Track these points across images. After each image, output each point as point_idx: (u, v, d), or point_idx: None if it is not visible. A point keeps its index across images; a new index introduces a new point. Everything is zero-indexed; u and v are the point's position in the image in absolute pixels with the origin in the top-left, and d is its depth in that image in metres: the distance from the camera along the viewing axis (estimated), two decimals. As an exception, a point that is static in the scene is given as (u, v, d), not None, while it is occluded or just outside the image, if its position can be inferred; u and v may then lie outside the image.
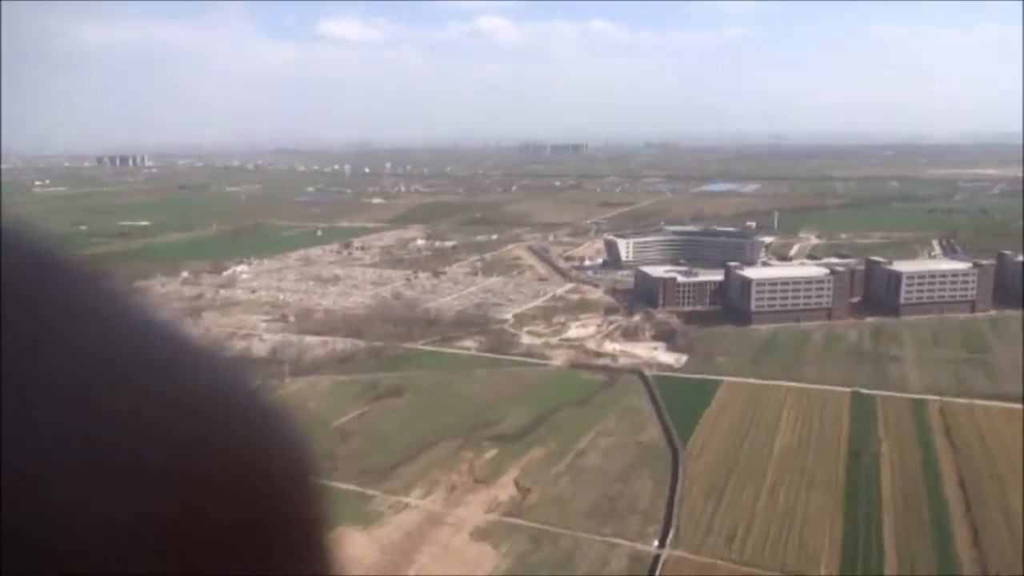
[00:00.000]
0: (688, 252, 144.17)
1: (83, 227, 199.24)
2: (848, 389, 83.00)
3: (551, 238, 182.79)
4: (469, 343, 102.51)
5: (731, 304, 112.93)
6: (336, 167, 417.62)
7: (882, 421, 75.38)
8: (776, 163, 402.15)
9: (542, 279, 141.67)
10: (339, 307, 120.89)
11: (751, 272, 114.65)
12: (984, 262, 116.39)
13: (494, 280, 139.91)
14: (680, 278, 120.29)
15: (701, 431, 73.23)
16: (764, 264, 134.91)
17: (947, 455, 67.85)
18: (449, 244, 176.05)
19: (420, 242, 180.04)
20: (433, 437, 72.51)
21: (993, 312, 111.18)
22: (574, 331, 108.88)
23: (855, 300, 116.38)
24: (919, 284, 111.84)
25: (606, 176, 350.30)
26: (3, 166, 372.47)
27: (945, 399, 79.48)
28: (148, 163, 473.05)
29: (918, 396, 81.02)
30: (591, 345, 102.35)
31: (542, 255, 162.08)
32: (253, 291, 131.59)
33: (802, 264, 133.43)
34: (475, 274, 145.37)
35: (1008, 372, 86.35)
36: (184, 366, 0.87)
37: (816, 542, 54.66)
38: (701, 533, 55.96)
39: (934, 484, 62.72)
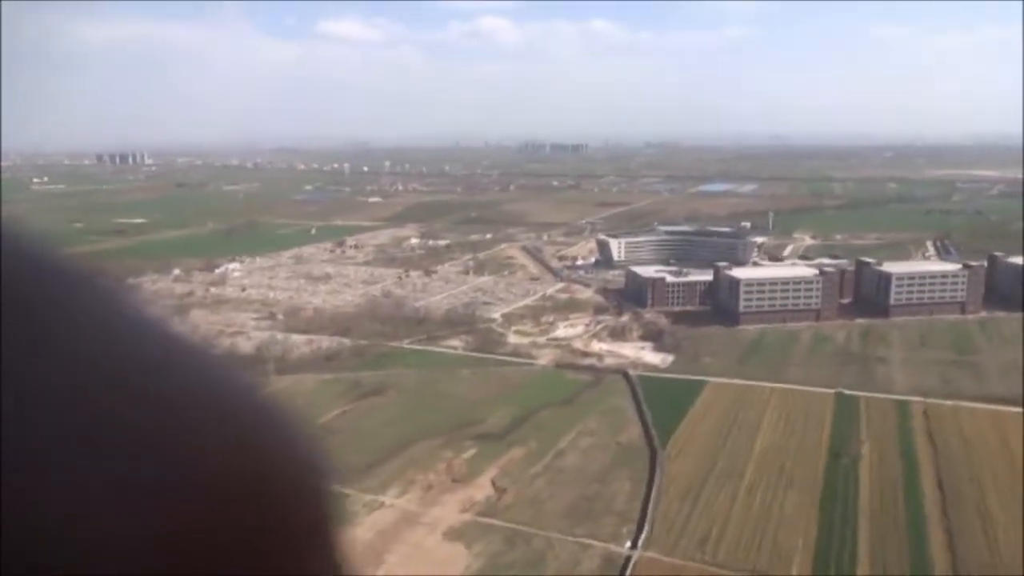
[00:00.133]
0: (680, 252, 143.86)
1: (79, 224, 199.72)
2: (832, 390, 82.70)
3: (545, 237, 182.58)
4: (456, 342, 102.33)
5: (720, 304, 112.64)
6: (335, 166, 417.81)
7: (865, 422, 75.04)
8: (775, 163, 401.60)
9: (533, 278, 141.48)
10: (328, 305, 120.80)
11: (740, 272, 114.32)
12: (974, 263, 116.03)
13: (485, 279, 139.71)
14: (669, 278, 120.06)
15: (682, 432, 72.96)
16: (755, 264, 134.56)
17: (928, 457, 67.55)
18: (443, 243, 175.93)
19: (414, 241, 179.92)
20: (414, 436, 72.31)
21: (983, 314, 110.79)
22: (562, 331, 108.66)
23: (846, 301, 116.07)
24: (909, 285, 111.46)
25: (605, 176, 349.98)
26: (3, 163, 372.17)
27: (929, 401, 79.15)
28: (148, 161, 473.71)
29: (902, 397, 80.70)
30: (578, 345, 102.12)
31: (535, 254, 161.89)
32: (243, 289, 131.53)
33: (794, 264, 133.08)
34: (467, 273, 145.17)
35: (994, 374, 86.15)
36: (186, 369, 0.86)
37: (790, 543, 54.40)
38: (675, 534, 55.72)
39: (913, 486, 62.41)
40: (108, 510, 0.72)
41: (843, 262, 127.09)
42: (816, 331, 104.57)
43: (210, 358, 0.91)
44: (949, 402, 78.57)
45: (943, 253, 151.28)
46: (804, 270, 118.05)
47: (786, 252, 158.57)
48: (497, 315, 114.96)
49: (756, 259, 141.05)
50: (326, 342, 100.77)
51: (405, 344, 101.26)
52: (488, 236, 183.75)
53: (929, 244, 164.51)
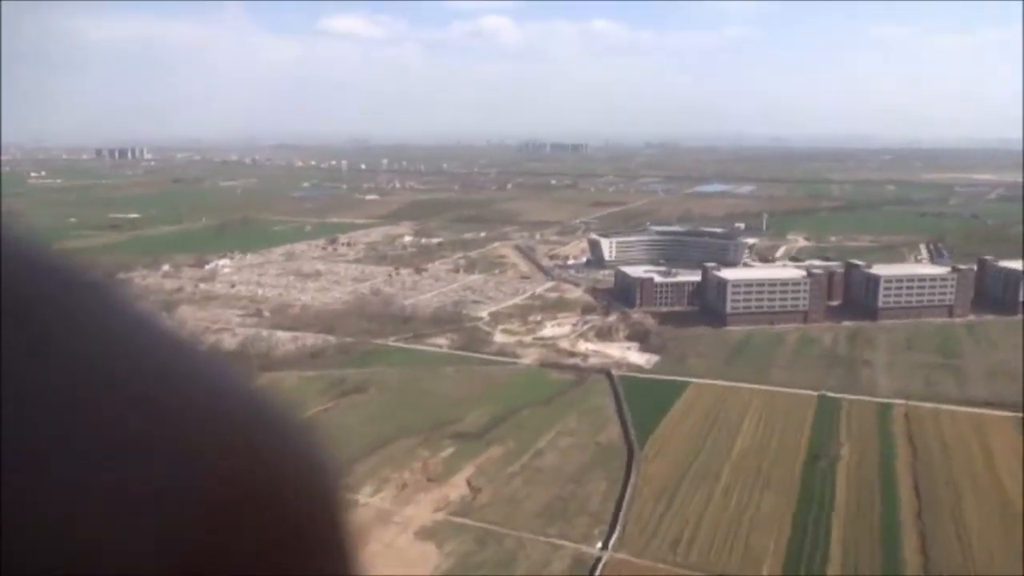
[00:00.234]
0: (672, 252, 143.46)
1: (73, 219, 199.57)
2: (815, 392, 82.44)
3: (539, 236, 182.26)
4: (441, 340, 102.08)
5: (708, 305, 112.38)
6: (333, 163, 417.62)
7: (845, 425, 74.83)
8: (774, 165, 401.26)
9: (524, 277, 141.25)
10: (316, 302, 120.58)
11: (728, 273, 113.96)
12: (963, 267, 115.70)
13: (475, 278, 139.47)
14: (658, 278, 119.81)
15: (661, 433, 72.74)
16: (746, 265, 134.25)
17: (906, 460, 67.30)
18: (435, 241, 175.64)
19: (407, 239, 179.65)
20: (392, 434, 72.08)
21: (971, 317, 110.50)
22: (549, 330, 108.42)
23: (835, 303, 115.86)
24: (897, 288, 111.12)
25: (603, 176, 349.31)
26: (3, 157, 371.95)
27: (911, 403, 78.95)
28: (147, 156, 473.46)
29: (885, 400, 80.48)
30: (564, 344, 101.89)
31: (527, 253, 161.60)
32: (232, 285, 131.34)
33: (784, 266, 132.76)
34: (457, 271, 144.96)
35: (977, 377, 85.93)
36: (187, 371, 0.86)
37: (762, 545, 54.17)
38: (647, 536, 55.49)
39: (889, 489, 62.17)
40: (110, 512, 0.71)
41: (834, 264, 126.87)
42: (803, 333, 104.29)
43: (212, 360, 0.90)
44: (931, 405, 78.36)
45: (936, 256, 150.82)
46: (792, 272, 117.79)
47: (779, 253, 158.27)
48: (484, 314, 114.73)
49: (747, 260, 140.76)
50: (311, 339, 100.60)
51: (390, 342, 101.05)
52: (482, 234, 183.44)
53: (923, 247, 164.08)
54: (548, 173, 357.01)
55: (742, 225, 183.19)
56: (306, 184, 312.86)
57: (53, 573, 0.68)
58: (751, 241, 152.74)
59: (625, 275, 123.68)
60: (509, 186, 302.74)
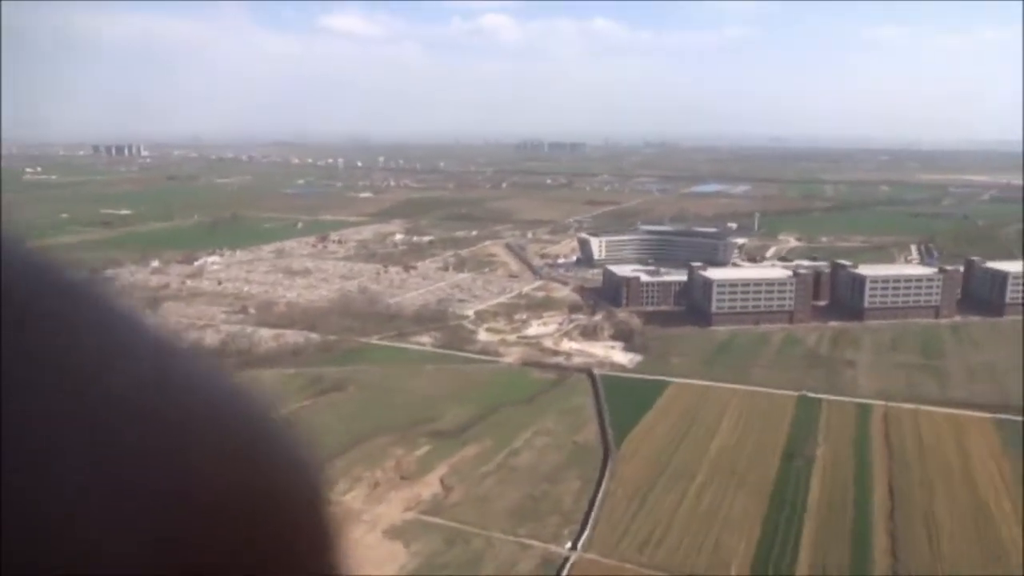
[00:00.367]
0: (661, 252, 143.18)
1: (65, 215, 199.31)
2: (796, 393, 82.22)
3: (530, 235, 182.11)
4: (425, 339, 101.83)
5: (694, 304, 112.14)
6: (329, 160, 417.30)
7: (824, 425, 74.58)
8: (771, 165, 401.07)
9: (512, 276, 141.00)
10: (302, 300, 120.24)
11: (713, 273, 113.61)
12: (950, 268, 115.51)
13: (463, 276, 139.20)
14: (644, 277, 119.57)
15: (638, 432, 72.50)
16: (735, 265, 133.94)
17: (882, 460, 67.12)
18: (426, 239, 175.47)
19: (398, 237, 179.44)
20: (368, 432, 71.77)
21: (957, 318, 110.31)
22: (534, 329, 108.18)
23: (822, 303, 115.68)
24: (883, 288, 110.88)
25: (599, 175, 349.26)
26: (2, 153, 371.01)
27: (891, 404, 78.73)
28: (143, 153, 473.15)
29: (865, 401, 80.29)
30: (548, 343, 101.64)
31: (518, 252, 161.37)
32: (219, 282, 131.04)
33: (773, 266, 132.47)
34: (446, 269, 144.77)
35: (958, 378, 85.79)
36: (184, 378, 0.86)
37: (731, 545, 53.94)
38: (617, 535, 55.26)
39: (863, 489, 61.96)
40: (106, 519, 0.71)
41: (822, 264, 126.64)
42: (788, 333, 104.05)
43: (204, 364, 0.90)
44: (911, 406, 78.11)
45: (926, 257, 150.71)
46: (778, 272, 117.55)
47: (769, 253, 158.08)
48: (470, 312, 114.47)
49: (736, 260, 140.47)
50: (295, 337, 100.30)
51: (374, 340, 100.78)
52: (473, 233, 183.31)
53: (913, 248, 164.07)
54: (544, 172, 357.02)
55: (734, 225, 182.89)
56: (300, 181, 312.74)
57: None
58: (741, 241, 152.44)
59: (612, 274, 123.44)
60: (504, 185, 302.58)
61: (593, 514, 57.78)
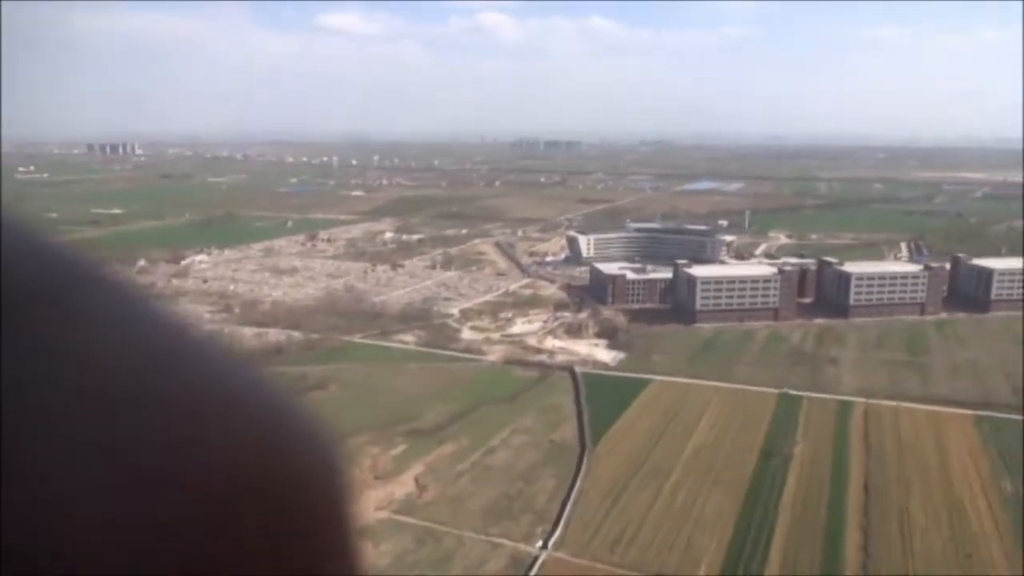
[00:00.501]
0: (649, 249, 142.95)
1: (54, 214, 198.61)
2: (777, 390, 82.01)
3: (520, 233, 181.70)
4: (408, 337, 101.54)
5: (679, 302, 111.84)
6: (324, 159, 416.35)
7: (803, 423, 74.40)
8: (767, 163, 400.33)
9: (500, 274, 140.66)
10: (288, 298, 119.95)
11: (698, 270, 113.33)
12: (936, 265, 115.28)
13: (451, 274, 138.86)
14: (630, 275, 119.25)
15: (616, 430, 72.25)
16: (722, 263, 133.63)
17: (859, 458, 66.90)
18: (416, 237, 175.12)
19: (388, 235, 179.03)
20: (346, 431, 71.33)
21: (943, 315, 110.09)
22: (519, 327, 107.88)
23: (808, 301, 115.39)
24: (868, 286, 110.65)
25: (594, 173, 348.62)
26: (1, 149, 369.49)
27: (872, 402, 78.51)
28: (138, 151, 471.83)
29: (846, 398, 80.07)
30: (532, 342, 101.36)
31: (507, 250, 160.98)
32: (205, 281, 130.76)
33: (759, 263, 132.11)
34: (434, 268, 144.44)
35: (940, 375, 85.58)
36: (197, 363, 0.84)
37: (703, 544, 53.70)
38: (588, 534, 55.01)
39: (838, 487, 61.76)
40: (117, 508, 0.70)
41: (809, 261, 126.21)
42: (772, 330, 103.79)
43: (223, 352, 0.88)
44: (891, 403, 77.90)
45: (916, 254, 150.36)
46: (763, 269, 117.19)
47: (758, 251, 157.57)
48: (455, 310, 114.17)
49: (724, 257, 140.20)
50: (277, 335, 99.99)
51: (357, 338, 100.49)
52: (463, 231, 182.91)
53: (903, 245, 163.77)
54: (538, 170, 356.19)
55: (725, 222, 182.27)
56: (294, 180, 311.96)
57: (56, 572, 0.66)
58: (729, 238, 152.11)
59: (599, 272, 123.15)
60: (497, 183, 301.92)
61: (566, 513, 57.55)
